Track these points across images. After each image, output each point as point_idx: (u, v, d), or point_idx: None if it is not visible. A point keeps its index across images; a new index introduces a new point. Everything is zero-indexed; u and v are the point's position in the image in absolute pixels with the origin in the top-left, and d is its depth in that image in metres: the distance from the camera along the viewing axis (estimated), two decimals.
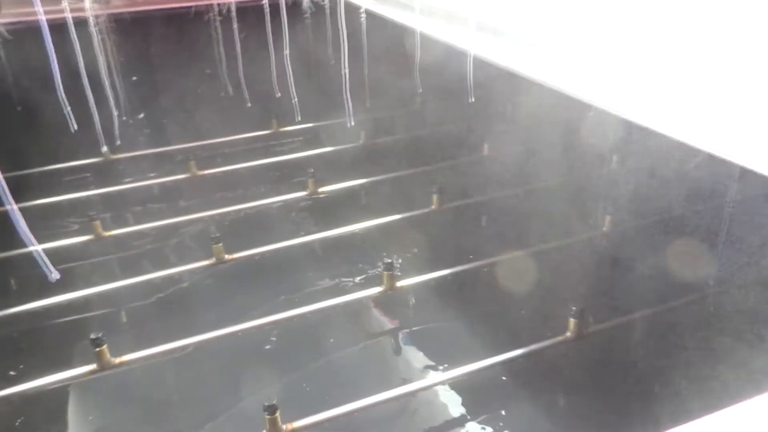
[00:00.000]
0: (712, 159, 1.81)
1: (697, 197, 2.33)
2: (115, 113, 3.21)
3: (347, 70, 2.79)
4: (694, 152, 1.91)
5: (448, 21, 3.00)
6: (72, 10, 2.82)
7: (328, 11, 3.66)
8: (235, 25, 3.54)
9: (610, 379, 2.49)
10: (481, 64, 2.79)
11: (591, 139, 2.57)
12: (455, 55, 2.95)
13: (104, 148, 3.18)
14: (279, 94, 3.36)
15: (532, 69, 2.48)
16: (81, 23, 3.13)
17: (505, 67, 2.60)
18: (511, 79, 2.58)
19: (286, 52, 2.81)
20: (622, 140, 2.52)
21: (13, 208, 1.38)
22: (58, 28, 3.07)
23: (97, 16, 3.15)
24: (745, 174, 1.94)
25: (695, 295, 2.39)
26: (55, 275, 1.54)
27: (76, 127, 2.65)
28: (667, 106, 2.05)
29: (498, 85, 2.87)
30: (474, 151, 3.90)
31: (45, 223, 3.46)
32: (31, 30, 3.69)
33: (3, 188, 1.37)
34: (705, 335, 2.33)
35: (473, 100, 2.83)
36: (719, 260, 2.28)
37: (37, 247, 1.58)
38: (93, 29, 3.08)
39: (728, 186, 2.17)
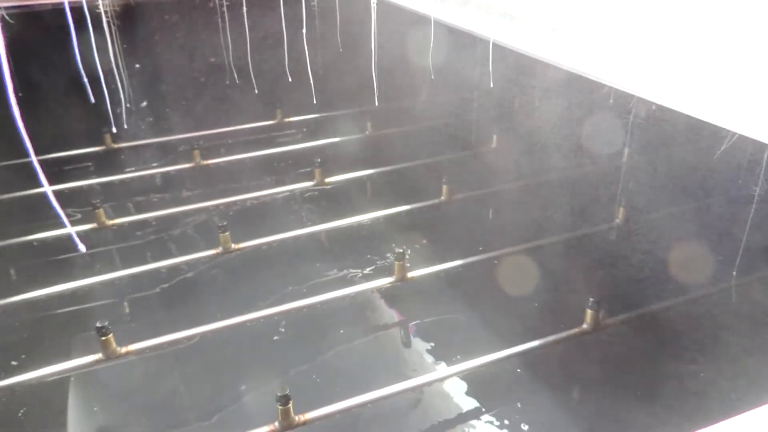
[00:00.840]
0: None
1: None
2: (122, 97, 3.16)
3: (375, 57, 2.74)
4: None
5: (461, 5, 2.93)
6: None
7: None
8: (245, 9, 3.47)
9: (628, 371, 2.44)
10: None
11: None
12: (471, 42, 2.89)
13: (114, 129, 3.15)
14: (290, 80, 3.31)
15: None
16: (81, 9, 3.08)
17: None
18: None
19: (304, 30, 2.74)
20: None
21: (47, 191, 1.38)
22: (59, 13, 3.02)
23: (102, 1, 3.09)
24: None
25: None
26: (82, 248, 1.53)
27: (93, 100, 2.62)
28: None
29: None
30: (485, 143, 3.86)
31: (47, 212, 3.38)
32: (32, 14, 3.63)
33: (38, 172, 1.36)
34: (728, 328, 2.29)
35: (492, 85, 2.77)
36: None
37: (71, 229, 1.60)
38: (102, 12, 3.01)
39: None
